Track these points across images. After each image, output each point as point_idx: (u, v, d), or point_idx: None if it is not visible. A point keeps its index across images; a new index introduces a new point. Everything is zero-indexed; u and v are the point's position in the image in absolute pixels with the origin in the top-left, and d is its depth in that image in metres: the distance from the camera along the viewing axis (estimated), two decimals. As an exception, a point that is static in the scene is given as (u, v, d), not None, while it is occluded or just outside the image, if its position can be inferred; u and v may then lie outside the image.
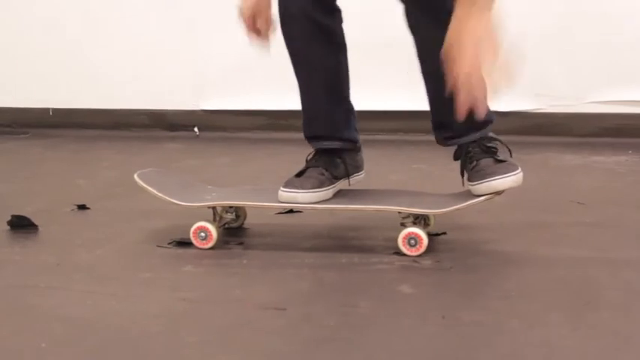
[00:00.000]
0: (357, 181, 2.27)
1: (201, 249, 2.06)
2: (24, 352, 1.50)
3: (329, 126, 2.22)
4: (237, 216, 2.24)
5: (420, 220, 2.04)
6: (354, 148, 2.23)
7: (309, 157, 2.17)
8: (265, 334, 1.64)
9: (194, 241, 2.07)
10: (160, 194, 2.13)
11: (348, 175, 2.19)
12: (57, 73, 3.80)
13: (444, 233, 2.17)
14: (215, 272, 2.00)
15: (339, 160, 2.19)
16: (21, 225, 2.29)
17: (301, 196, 2.10)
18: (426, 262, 1.97)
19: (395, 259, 1.97)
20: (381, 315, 1.70)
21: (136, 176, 2.20)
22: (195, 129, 3.61)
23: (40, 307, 1.74)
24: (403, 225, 2.01)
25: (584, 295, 1.79)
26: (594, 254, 2.05)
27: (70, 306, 1.75)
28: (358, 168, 2.27)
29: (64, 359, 1.50)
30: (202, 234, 2.07)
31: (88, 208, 2.50)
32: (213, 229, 2.06)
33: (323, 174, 2.15)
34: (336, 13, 2.19)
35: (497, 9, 1.91)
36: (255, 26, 2.09)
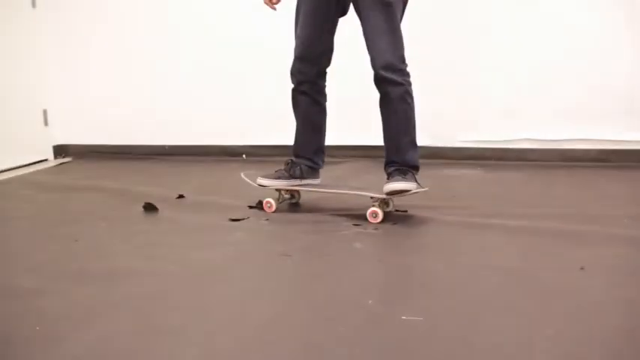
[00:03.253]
0: (312, 185, 3.24)
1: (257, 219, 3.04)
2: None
3: (307, 152, 3.26)
4: (293, 196, 3.33)
5: (382, 202, 2.98)
6: (316, 167, 3.24)
7: (286, 163, 3.25)
8: (280, 268, 2.41)
9: (264, 208, 3.18)
10: (249, 180, 3.26)
11: (301, 178, 3.23)
12: (169, 116, 4.97)
13: (406, 211, 3.07)
14: (252, 235, 2.88)
15: (297, 169, 3.24)
16: (150, 208, 3.30)
17: (265, 182, 3.23)
18: (371, 230, 2.86)
19: (354, 228, 2.88)
20: (343, 259, 2.50)
21: (242, 174, 3.35)
22: (244, 155, 4.85)
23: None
24: (374, 205, 2.95)
25: (454, 245, 2.60)
26: (457, 219, 2.95)
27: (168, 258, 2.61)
28: (314, 176, 3.27)
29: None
30: (268, 205, 3.20)
31: (184, 197, 3.49)
32: (273, 202, 3.19)
33: (283, 174, 3.23)
34: (325, 76, 3.19)
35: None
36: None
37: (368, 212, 2.97)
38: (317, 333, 1.92)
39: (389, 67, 2.93)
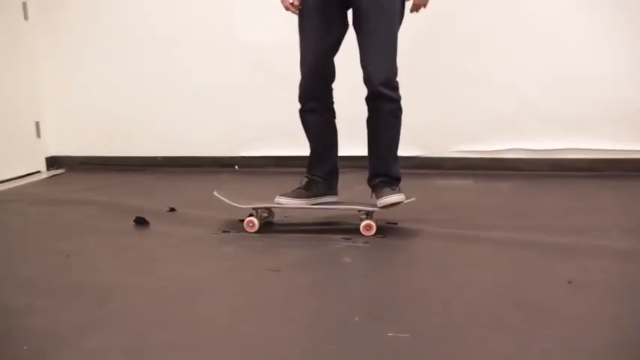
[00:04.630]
0: (329, 200, 3.19)
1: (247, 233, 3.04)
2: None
3: (321, 171, 3.19)
4: (268, 214, 3.23)
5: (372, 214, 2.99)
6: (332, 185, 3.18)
7: (302, 182, 3.16)
8: (268, 284, 2.44)
9: (246, 227, 3.06)
10: (228, 201, 3.16)
11: (317, 196, 3.15)
12: (162, 127, 4.95)
13: (396, 223, 3.09)
14: (241, 250, 2.89)
15: (314, 186, 3.15)
16: (141, 222, 3.33)
17: (284, 200, 3.13)
18: (360, 244, 2.89)
19: (342, 242, 2.91)
20: (332, 275, 2.54)
21: (215, 192, 3.25)
22: (236, 167, 4.83)
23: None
24: (364, 218, 2.96)
25: (442, 260, 2.64)
26: (446, 232, 2.98)
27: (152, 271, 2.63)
28: (332, 192, 3.21)
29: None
30: (250, 224, 3.09)
31: (175, 210, 3.51)
32: (256, 221, 3.09)
33: (302, 192, 3.15)
34: (332, 92, 3.11)
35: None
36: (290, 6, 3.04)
37: (362, 225, 2.99)
38: (303, 350, 1.94)
39: (387, 84, 2.93)
